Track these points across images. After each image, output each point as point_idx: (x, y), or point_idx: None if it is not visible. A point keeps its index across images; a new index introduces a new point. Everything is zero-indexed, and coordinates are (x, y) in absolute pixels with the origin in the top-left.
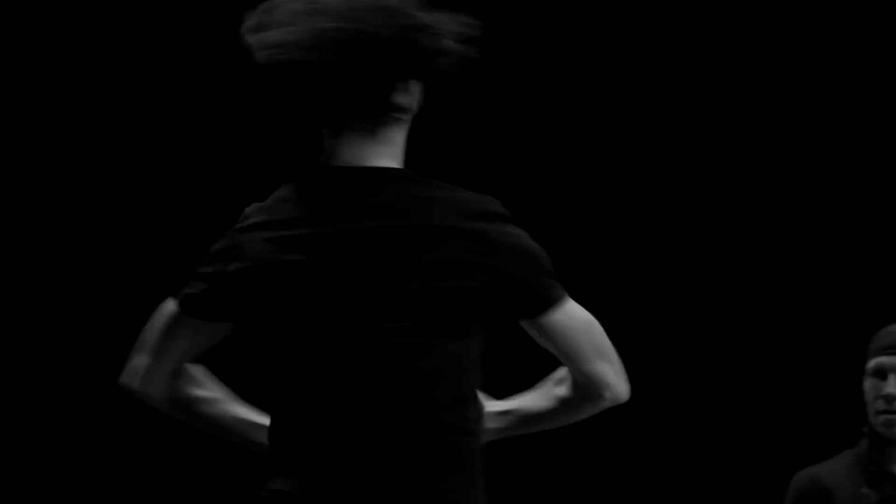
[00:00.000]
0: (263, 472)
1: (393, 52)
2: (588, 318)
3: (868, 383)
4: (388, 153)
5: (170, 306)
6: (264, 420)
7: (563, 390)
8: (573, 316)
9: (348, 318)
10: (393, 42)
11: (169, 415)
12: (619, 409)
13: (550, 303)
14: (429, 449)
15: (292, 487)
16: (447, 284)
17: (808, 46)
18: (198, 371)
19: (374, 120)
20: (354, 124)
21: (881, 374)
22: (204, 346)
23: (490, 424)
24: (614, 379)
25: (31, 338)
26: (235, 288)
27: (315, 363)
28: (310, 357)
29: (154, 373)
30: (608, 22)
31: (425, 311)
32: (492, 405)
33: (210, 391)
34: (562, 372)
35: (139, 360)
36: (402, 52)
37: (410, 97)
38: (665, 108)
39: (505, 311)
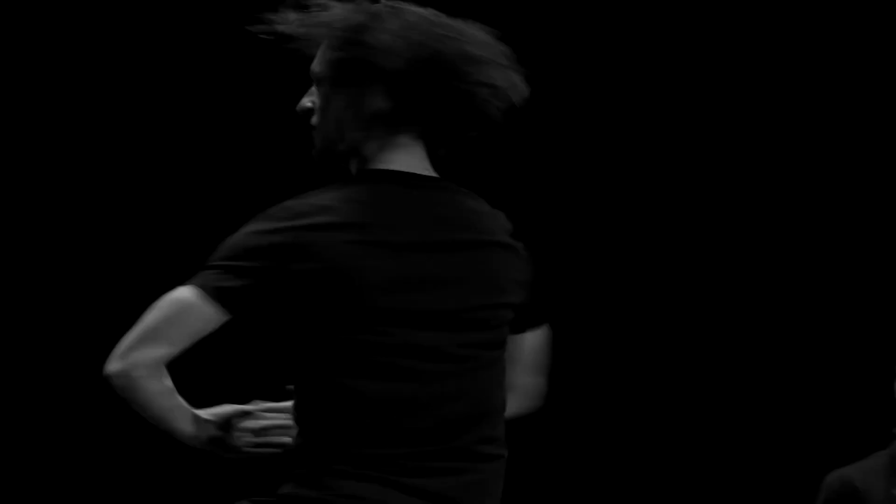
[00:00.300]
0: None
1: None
2: (548, 334)
3: None
4: (427, 163)
5: (186, 296)
6: (198, 412)
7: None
8: (545, 332)
9: (427, 327)
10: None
11: (133, 405)
12: (654, 412)
13: (542, 321)
14: (489, 461)
15: (359, 492)
16: (504, 299)
17: (808, 46)
18: None
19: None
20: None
21: None
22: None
23: None
24: (544, 389)
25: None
26: (303, 287)
27: (386, 370)
28: (382, 363)
29: (157, 364)
30: (608, 23)
31: (491, 324)
32: None
33: (170, 381)
34: None
35: (150, 351)
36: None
37: None
38: (665, 109)
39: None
